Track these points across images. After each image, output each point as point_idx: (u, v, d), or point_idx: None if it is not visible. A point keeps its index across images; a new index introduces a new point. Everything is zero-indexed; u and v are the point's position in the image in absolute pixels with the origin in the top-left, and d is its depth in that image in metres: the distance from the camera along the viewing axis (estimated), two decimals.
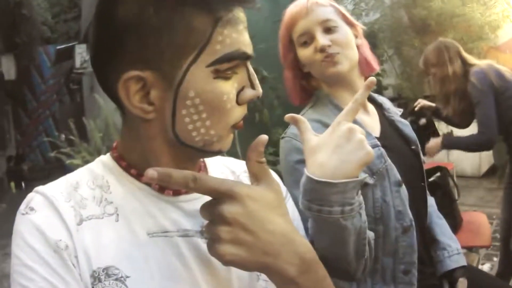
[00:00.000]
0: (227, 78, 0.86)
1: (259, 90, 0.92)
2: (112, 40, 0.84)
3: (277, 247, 0.79)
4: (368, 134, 1.46)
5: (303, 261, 0.82)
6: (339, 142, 1.11)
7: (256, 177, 0.84)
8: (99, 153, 6.19)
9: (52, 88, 19.11)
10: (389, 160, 1.54)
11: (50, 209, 0.86)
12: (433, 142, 3.65)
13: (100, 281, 0.83)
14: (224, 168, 1.15)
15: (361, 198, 1.19)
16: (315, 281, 0.84)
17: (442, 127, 8.78)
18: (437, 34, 8.38)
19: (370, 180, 1.46)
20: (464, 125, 3.65)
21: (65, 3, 20.00)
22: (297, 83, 1.76)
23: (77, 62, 13.58)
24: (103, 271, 0.83)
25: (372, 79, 1.16)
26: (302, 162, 1.23)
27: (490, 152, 8.19)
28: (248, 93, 0.91)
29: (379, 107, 1.80)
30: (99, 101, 7.09)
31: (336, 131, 1.12)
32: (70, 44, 14.92)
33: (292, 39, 1.67)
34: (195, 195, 0.96)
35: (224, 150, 0.94)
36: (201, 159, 1.08)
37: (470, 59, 3.51)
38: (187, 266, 0.90)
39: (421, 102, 3.69)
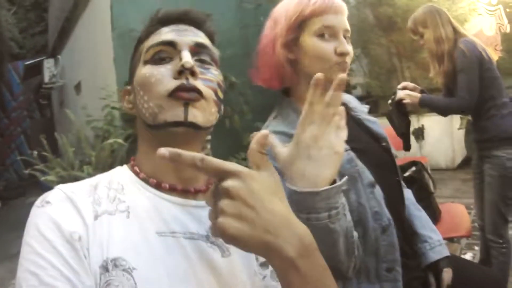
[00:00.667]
0: (160, 64, 1.08)
1: (184, 59, 1.05)
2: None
3: (277, 226, 0.79)
4: None
5: (302, 244, 0.81)
6: (309, 152, 1.13)
7: (257, 165, 0.86)
8: (72, 167, 6.14)
9: (22, 104, 18.92)
10: (360, 163, 1.54)
11: (67, 202, 0.93)
12: (412, 95, 3.43)
13: (107, 270, 0.87)
14: None
15: (343, 199, 1.23)
16: (315, 268, 0.83)
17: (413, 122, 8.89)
18: (404, 31, 8.46)
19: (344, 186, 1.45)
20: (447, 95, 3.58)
21: (32, 17, 19.84)
22: (278, 65, 1.63)
23: (46, 77, 13.41)
24: (111, 262, 0.87)
25: (342, 76, 1.16)
26: None
27: (463, 144, 8.30)
28: (177, 65, 1.06)
29: (344, 106, 1.76)
30: (70, 116, 7.04)
31: (300, 140, 1.15)
32: (38, 59, 14.78)
33: (303, 23, 1.58)
34: (203, 202, 0.96)
35: (168, 119, 1.03)
36: None
37: (460, 28, 3.53)
38: (191, 266, 0.94)
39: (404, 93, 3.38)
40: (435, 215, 3.32)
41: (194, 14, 1.16)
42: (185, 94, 1.03)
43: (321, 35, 1.55)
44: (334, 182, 1.18)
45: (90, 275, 0.86)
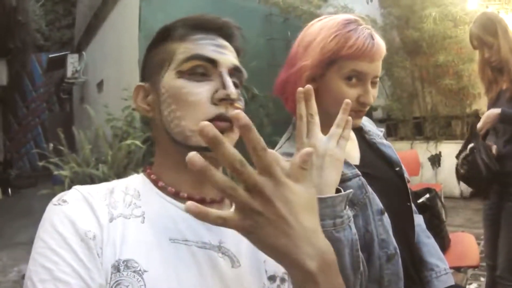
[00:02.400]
0: (196, 80, 1.04)
1: (229, 89, 1.02)
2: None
3: (301, 238, 0.77)
4: (346, 164, 1.46)
5: (324, 260, 0.79)
6: (310, 162, 1.15)
7: (297, 179, 0.82)
8: (87, 164, 6.16)
9: (42, 96, 19.10)
10: (370, 190, 1.51)
11: (83, 203, 0.94)
12: (491, 112, 3.15)
13: (119, 271, 0.87)
14: None
15: (349, 212, 1.24)
16: (333, 285, 0.82)
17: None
18: (429, 55, 8.47)
19: (351, 211, 1.44)
20: None
21: (60, 10, 20.02)
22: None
23: (69, 72, 13.53)
24: (123, 263, 0.88)
25: (347, 101, 1.22)
26: None
27: None
28: (220, 92, 1.03)
29: (358, 130, 1.75)
30: (90, 112, 7.08)
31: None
32: (63, 53, 14.89)
33: (334, 62, 1.49)
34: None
35: (202, 145, 0.95)
36: None
37: None
38: (201, 275, 0.94)
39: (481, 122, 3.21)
40: (444, 243, 3.28)
41: (231, 27, 1.14)
42: (222, 124, 1.01)
43: (348, 78, 1.49)
44: (339, 191, 1.21)
45: (102, 273, 0.87)
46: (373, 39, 1.46)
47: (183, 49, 1.07)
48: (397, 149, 1.80)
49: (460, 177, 3.35)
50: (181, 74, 1.05)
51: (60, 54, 15.16)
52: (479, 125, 3.18)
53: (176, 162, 1.05)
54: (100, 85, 11.57)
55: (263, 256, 0.99)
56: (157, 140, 1.12)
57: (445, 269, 1.78)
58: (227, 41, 1.12)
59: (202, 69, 1.05)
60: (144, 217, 0.98)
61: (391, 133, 9.47)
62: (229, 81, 1.04)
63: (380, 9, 9.17)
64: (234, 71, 1.08)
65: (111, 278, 0.87)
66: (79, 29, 15.09)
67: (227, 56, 1.08)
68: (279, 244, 0.76)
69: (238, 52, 1.15)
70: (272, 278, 1.06)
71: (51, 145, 7.29)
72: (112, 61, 10.17)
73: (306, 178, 0.84)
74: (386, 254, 1.49)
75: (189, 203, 0.73)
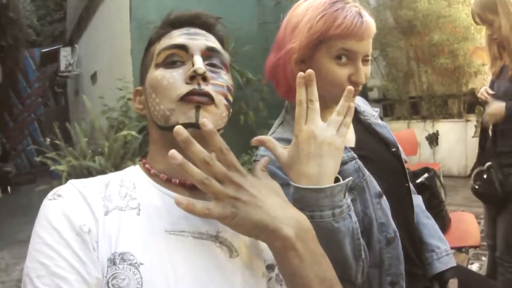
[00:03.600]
0: (172, 67, 1.10)
1: (196, 65, 1.07)
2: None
3: (276, 211, 0.91)
4: None
5: (300, 226, 0.93)
6: (309, 150, 1.16)
7: (258, 177, 1.01)
8: (84, 157, 6.17)
9: (37, 91, 19.09)
10: (367, 173, 1.49)
11: (78, 197, 0.96)
12: (496, 106, 3.11)
13: (115, 264, 0.89)
14: None
15: (349, 200, 1.22)
16: (313, 252, 0.94)
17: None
18: (423, 35, 8.44)
19: (349, 196, 1.41)
20: None
21: (50, 5, 19.95)
22: (292, 79, 1.48)
23: (62, 65, 13.48)
24: (119, 256, 0.89)
25: (349, 88, 1.21)
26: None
27: (477, 152, 8.25)
28: (190, 70, 1.08)
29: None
30: (87, 103, 7.07)
31: (298, 141, 1.18)
32: (55, 47, 14.85)
33: (323, 42, 1.47)
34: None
35: (181, 122, 1.03)
36: None
37: None
38: (198, 266, 0.96)
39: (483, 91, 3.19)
40: (444, 223, 3.27)
41: (205, 17, 1.19)
42: (197, 98, 1.06)
43: (338, 57, 1.47)
44: (337, 180, 1.19)
45: (98, 267, 0.88)
46: (361, 17, 1.44)
47: (159, 46, 1.14)
48: (394, 129, 1.78)
49: (472, 190, 3.34)
50: (157, 66, 1.12)
51: (53, 48, 15.12)
52: (485, 117, 3.17)
53: (164, 148, 1.06)
54: (94, 76, 11.54)
55: (261, 245, 1.07)
56: (150, 134, 1.17)
57: (446, 250, 1.77)
58: (208, 31, 1.18)
59: (176, 56, 1.11)
60: (139, 209, 0.99)
61: (387, 113, 9.47)
62: (197, 59, 1.09)
63: None
64: (209, 52, 1.13)
65: (107, 271, 0.88)
66: (70, 22, 15.03)
67: (199, 40, 1.13)
68: (257, 219, 0.89)
69: (220, 39, 1.20)
70: (270, 267, 1.08)
71: (48, 140, 7.29)
72: (104, 52, 10.14)
73: (267, 177, 1.03)
74: (386, 238, 1.48)
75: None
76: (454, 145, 8.67)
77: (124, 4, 7.81)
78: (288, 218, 0.92)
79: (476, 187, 3.33)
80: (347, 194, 1.21)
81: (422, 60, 8.81)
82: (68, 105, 16.82)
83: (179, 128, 0.88)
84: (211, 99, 1.07)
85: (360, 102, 1.78)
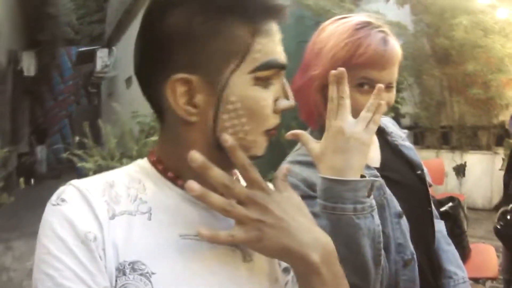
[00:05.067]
0: (265, 87, 0.90)
1: (293, 101, 0.95)
2: (160, 46, 0.90)
3: (302, 234, 0.85)
4: (366, 166, 1.41)
5: (326, 251, 0.87)
6: (336, 144, 1.18)
7: (281, 191, 0.91)
8: (112, 158, 6.23)
9: (70, 89, 19.34)
10: (388, 191, 1.49)
11: (82, 201, 0.88)
12: None
13: (124, 274, 0.84)
14: None
15: (373, 201, 1.22)
16: (335, 275, 0.89)
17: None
18: (458, 64, 8.38)
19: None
20: None
21: (91, 5, 20.25)
22: (314, 107, 1.55)
23: (98, 66, 13.70)
24: (129, 265, 0.85)
25: (379, 86, 1.20)
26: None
27: (502, 184, 8.17)
28: (284, 103, 0.94)
29: (381, 132, 1.71)
30: (116, 108, 7.14)
31: (327, 136, 1.20)
32: (92, 48, 15.06)
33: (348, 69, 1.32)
34: None
35: (259, 155, 0.96)
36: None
37: None
38: (212, 272, 0.91)
39: None
40: (464, 254, 3.25)
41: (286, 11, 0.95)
42: (275, 132, 0.96)
43: (360, 85, 1.44)
44: (363, 177, 1.21)
45: (106, 276, 0.83)
46: (385, 45, 1.41)
47: (259, 46, 0.89)
48: (423, 158, 1.78)
49: (495, 229, 3.35)
50: (257, 81, 0.89)
51: (90, 48, 15.33)
52: None
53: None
54: (128, 80, 11.68)
55: None
56: (185, 138, 0.93)
57: (463, 278, 1.75)
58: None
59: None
60: (151, 213, 0.91)
61: (417, 141, 9.35)
62: (289, 88, 0.95)
63: (411, 16, 9.09)
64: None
65: (116, 282, 0.84)
66: (110, 24, 15.25)
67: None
68: (284, 243, 0.84)
69: None
70: (287, 270, 1.05)
71: (77, 138, 7.37)
72: None
73: (288, 188, 0.93)
74: (403, 259, 1.47)
75: (201, 229, 0.82)
76: (480, 177, 8.58)
77: None
78: (314, 242, 0.86)
79: (498, 227, 3.34)
80: (372, 195, 1.22)
81: (455, 90, 8.76)
82: (101, 105, 17.01)
83: (194, 154, 0.81)
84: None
85: (389, 123, 1.77)
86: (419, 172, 1.69)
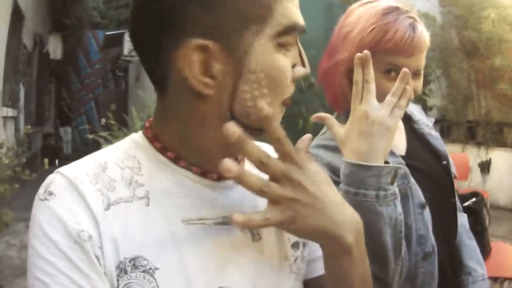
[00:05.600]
0: (285, 54, 0.82)
1: (309, 68, 0.87)
2: (171, 4, 0.77)
3: (337, 214, 0.79)
4: (391, 154, 1.40)
5: (358, 231, 0.82)
6: (360, 128, 1.18)
7: (306, 163, 0.80)
8: None
9: (97, 72, 19.47)
10: (412, 180, 1.46)
11: (73, 193, 0.78)
12: None
13: (126, 273, 0.76)
14: None
15: (396, 189, 1.22)
16: (363, 255, 0.86)
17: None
18: (485, 58, 8.27)
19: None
20: None
21: None
22: (340, 91, 1.52)
23: (125, 50, 13.77)
24: (129, 262, 0.76)
25: (405, 70, 1.19)
26: None
27: None
28: (300, 70, 0.86)
29: (407, 119, 1.68)
30: (141, 94, 7.17)
31: (352, 120, 1.20)
32: (120, 31, 15.11)
33: (372, 53, 1.31)
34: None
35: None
36: None
37: None
38: (223, 257, 0.85)
39: None
40: (484, 251, 3.21)
41: None
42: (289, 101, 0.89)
43: (387, 71, 1.41)
44: (387, 163, 1.20)
45: (104, 278, 0.75)
46: (414, 31, 1.38)
47: (282, 9, 0.80)
48: (448, 152, 1.75)
49: None
50: (280, 48, 0.81)
51: (118, 32, 15.40)
52: None
53: (211, 139, 0.84)
54: None
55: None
56: (192, 111, 0.83)
57: (483, 275, 1.72)
58: None
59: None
60: (148, 198, 0.82)
61: (443, 135, 9.23)
62: (305, 55, 0.87)
63: (440, 7, 9.01)
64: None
65: (118, 282, 0.76)
66: None
67: None
68: (319, 224, 0.77)
69: None
70: (295, 245, 0.99)
71: (103, 120, 7.41)
72: None
73: (312, 161, 0.82)
74: (423, 251, 1.44)
75: (235, 216, 0.72)
76: (504, 175, 8.48)
77: None
78: (348, 221, 0.80)
79: None
80: (395, 182, 1.21)
81: (483, 84, 8.67)
82: (128, 89, 17.10)
83: (231, 126, 0.70)
84: None
85: (415, 111, 1.74)
86: (444, 162, 1.66)
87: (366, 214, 1.13)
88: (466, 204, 3.14)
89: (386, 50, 1.38)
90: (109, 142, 6.56)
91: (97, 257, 0.75)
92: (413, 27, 1.39)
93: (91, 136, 7.27)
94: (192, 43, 0.75)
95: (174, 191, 0.84)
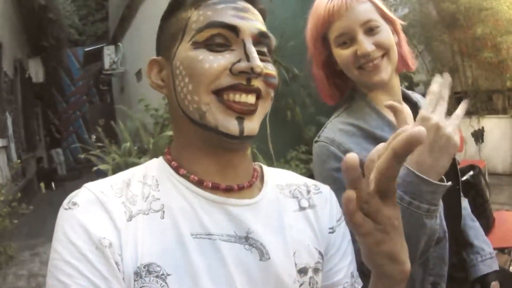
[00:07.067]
0: (215, 51, 0.92)
1: (254, 62, 0.90)
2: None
3: (403, 241, 0.81)
4: None
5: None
6: (430, 138, 1.16)
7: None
8: (129, 154, 6.25)
9: (81, 89, 19.49)
10: None
11: (96, 205, 0.86)
12: None
13: (141, 277, 0.82)
14: (282, 181, 1.11)
15: (441, 202, 1.24)
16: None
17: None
18: (466, 28, 8.29)
19: None
20: None
21: (92, 5, 20.33)
22: (331, 82, 1.62)
23: (106, 64, 13.75)
24: (144, 268, 0.83)
25: (447, 77, 1.21)
26: (340, 170, 1.18)
27: None
28: (242, 64, 0.91)
29: (413, 106, 1.66)
30: (127, 105, 7.16)
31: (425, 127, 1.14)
32: (99, 46, 15.13)
33: (327, 37, 1.51)
34: (245, 200, 0.97)
35: (220, 128, 0.91)
36: (257, 165, 1.11)
37: None
38: (227, 271, 0.89)
39: None
40: (488, 223, 3.22)
41: None
42: (239, 107, 0.92)
43: (343, 43, 1.47)
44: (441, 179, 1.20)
45: (122, 282, 0.81)
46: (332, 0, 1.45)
47: (197, 17, 0.95)
48: None
49: None
50: (197, 45, 0.93)
51: (96, 47, 15.41)
52: None
53: (197, 147, 0.96)
54: (138, 74, 11.78)
55: (292, 248, 0.98)
56: (174, 120, 1.02)
57: (490, 253, 1.76)
58: (249, 3, 0.99)
59: (222, 38, 0.93)
60: (163, 211, 0.90)
61: None
62: (254, 52, 0.92)
63: None
64: (259, 38, 0.96)
65: (134, 285, 0.82)
66: (113, 21, 15.28)
67: (251, 21, 0.95)
68: (396, 250, 0.78)
69: (263, 14, 1.02)
70: (302, 271, 1.00)
71: (94, 136, 7.40)
72: (148, 49, 10.14)
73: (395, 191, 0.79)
74: None
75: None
76: (499, 141, 8.53)
77: (165, 2, 7.90)
78: (407, 250, 0.83)
79: None
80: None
81: (466, 54, 8.69)
82: (114, 102, 17.10)
83: (352, 158, 0.69)
84: (258, 95, 0.94)
85: (419, 98, 1.74)
86: None
87: (412, 223, 1.18)
88: (464, 178, 3.13)
89: (325, 25, 1.47)
90: (101, 159, 6.55)
91: (116, 263, 0.81)
92: None
93: (83, 156, 7.27)
94: (152, 59, 1.03)
95: (185, 206, 0.92)
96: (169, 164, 0.98)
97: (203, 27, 0.93)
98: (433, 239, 1.26)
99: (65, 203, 0.88)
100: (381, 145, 0.73)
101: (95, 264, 0.80)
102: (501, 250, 3.19)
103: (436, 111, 1.17)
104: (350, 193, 0.69)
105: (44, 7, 12.76)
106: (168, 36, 1.00)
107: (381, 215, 0.74)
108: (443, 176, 1.20)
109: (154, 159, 1.02)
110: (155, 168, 0.98)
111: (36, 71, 13.81)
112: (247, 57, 0.91)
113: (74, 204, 0.86)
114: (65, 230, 0.83)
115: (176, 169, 0.97)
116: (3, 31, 10.24)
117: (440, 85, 1.19)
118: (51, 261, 0.82)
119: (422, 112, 1.18)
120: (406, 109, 1.56)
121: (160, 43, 1.04)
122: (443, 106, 1.19)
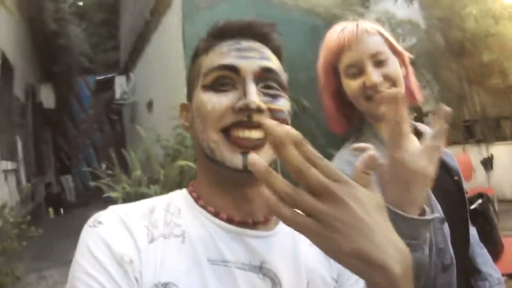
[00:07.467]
0: (220, 91, 0.98)
1: (249, 98, 0.94)
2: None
3: (385, 240, 0.70)
4: None
5: (407, 263, 0.72)
6: (397, 177, 1.12)
7: (362, 185, 0.76)
8: (139, 184, 6.25)
9: (92, 117, 19.48)
10: (433, 197, 1.48)
11: (119, 225, 0.91)
12: None
13: None
14: None
15: (427, 233, 1.19)
16: None
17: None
18: (473, 55, 8.30)
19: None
20: None
21: (103, 33, 20.46)
22: (340, 112, 1.66)
23: (117, 93, 13.82)
24: (162, 286, 0.86)
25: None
26: None
27: None
28: (239, 102, 0.95)
29: (420, 135, 1.66)
30: (141, 132, 7.18)
31: (390, 166, 1.12)
32: (110, 75, 15.19)
33: (337, 67, 1.56)
34: (261, 232, 0.99)
35: (226, 163, 0.94)
36: None
37: None
38: None
39: None
40: (497, 249, 3.20)
41: (258, 27, 1.04)
42: (244, 142, 0.94)
43: (352, 75, 1.51)
44: (423, 210, 1.16)
45: None
46: (343, 32, 1.52)
47: (205, 62, 1.02)
48: None
49: None
50: (205, 88, 0.99)
51: (107, 76, 15.48)
52: None
53: (213, 180, 1.02)
54: (149, 105, 11.82)
55: (305, 278, 0.98)
56: (197, 157, 1.10)
57: (499, 279, 1.75)
58: (262, 42, 1.03)
59: (225, 79, 0.98)
60: (184, 237, 0.94)
61: None
62: (250, 88, 0.95)
63: (421, 11, 9.07)
64: (264, 73, 0.98)
65: None
66: (124, 50, 15.39)
67: (252, 59, 0.98)
68: (363, 248, 0.68)
69: (276, 50, 1.05)
70: None
71: (104, 165, 7.41)
72: (159, 81, 10.36)
73: (370, 184, 0.79)
74: (442, 264, 1.47)
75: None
76: (507, 168, 8.48)
77: (176, 32, 7.93)
78: (397, 251, 0.71)
79: None
80: (427, 228, 1.18)
81: (474, 82, 8.70)
82: (124, 132, 17.12)
83: (253, 159, 0.70)
84: (263, 139, 0.94)
85: (427, 129, 1.73)
86: (456, 178, 1.69)
87: None
88: (472, 207, 3.13)
89: (334, 55, 1.53)
90: (111, 187, 6.56)
91: (136, 279, 0.85)
92: (342, 28, 1.54)
93: (93, 184, 7.28)
94: (182, 104, 1.12)
95: (204, 234, 0.96)
96: (191, 194, 1.04)
97: (208, 71, 1.00)
98: (423, 274, 1.23)
99: (90, 221, 0.92)
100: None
101: (115, 277, 0.83)
102: (510, 276, 3.18)
103: (397, 145, 1.11)
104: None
105: (55, 33, 12.86)
106: (190, 82, 1.08)
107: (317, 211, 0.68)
108: (433, 208, 1.19)
109: (178, 190, 1.08)
110: (178, 198, 1.04)
111: (47, 97, 13.84)
112: (244, 94, 0.95)
113: (99, 222, 0.91)
114: (88, 245, 0.87)
115: (196, 200, 1.02)
116: (15, 55, 10.27)
117: (390, 110, 1.11)
118: (71, 273, 0.86)
119: (385, 148, 1.15)
120: (414, 140, 1.53)
121: (188, 89, 1.10)
122: (403, 132, 1.12)
